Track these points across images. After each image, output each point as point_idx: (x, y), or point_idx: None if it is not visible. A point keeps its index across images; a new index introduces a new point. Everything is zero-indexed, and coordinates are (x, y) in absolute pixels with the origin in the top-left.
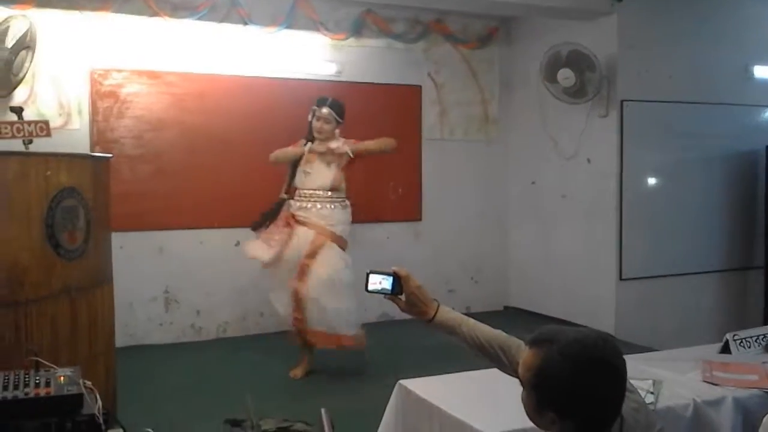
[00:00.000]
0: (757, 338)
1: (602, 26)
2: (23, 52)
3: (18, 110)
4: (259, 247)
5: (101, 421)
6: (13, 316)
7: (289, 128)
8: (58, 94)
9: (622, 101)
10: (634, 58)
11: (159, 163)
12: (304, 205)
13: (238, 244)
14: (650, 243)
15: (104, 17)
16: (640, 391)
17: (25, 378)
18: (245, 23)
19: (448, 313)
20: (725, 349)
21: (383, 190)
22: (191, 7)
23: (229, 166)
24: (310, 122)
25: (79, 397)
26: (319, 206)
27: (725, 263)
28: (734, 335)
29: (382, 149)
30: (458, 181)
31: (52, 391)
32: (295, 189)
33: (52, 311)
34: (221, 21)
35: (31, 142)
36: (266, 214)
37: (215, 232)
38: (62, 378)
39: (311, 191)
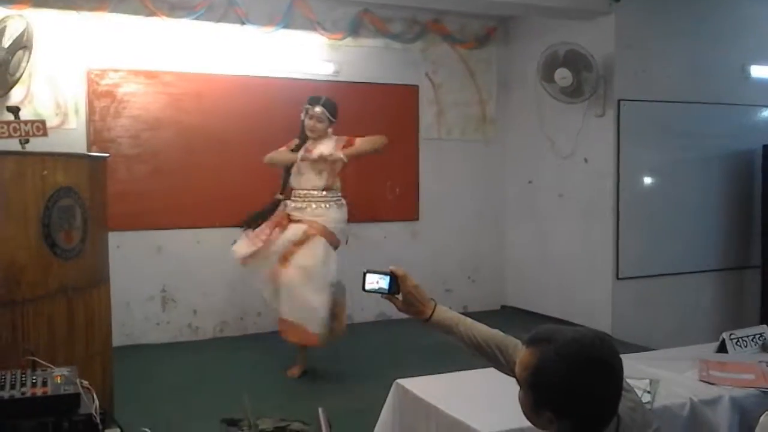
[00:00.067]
0: (754, 337)
1: (600, 26)
2: (20, 52)
3: (15, 110)
4: (243, 244)
5: (98, 420)
6: (10, 315)
7: (286, 128)
8: (54, 94)
9: (619, 101)
10: (631, 57)
11: (156, 163)
12: (300, 205)
13: (235, 243)
14: (647, 242)
15: (101, 17)
16: (636, 391)
17: (21, 378)
18: (242, 23)
19: (445, 313)
20: (722, 349)
21: (380, 190)
22: (188, 6)
23: (227, 166)
24: (303, 121)
25: (76, 396)
26: (314, 206)
27: (722, 262)
28: (731, 334)
29: (375, 148)
30: (455, 181)
31: (49, 390)
32: (291, 189)
33: (49, 311)
34: (218, 21)
35: (27, 141)
36: (258, 214)
37: (212, 232)
38: (59, 378)
39: (306, 191)
